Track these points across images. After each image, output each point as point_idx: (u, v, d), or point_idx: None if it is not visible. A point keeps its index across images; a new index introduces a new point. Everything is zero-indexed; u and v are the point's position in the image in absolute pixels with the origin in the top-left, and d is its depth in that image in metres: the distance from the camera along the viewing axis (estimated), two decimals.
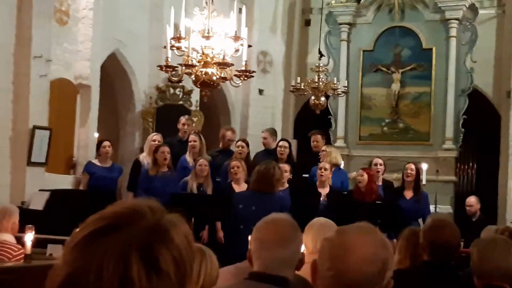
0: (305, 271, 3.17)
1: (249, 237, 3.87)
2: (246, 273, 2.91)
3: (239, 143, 9.96)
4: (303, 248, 3.21)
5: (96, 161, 10.18)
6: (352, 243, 2.02)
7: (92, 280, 1.05)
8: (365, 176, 9.22)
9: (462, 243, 9.77)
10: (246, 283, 2.80)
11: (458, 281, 4.02)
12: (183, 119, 10.73)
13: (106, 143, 10.17)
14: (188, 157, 9.72)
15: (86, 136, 10.87)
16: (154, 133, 10.55)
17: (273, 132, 10.93)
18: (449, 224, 4.04)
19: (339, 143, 14.56)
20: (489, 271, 3.51)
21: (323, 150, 9.73)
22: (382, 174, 10.03)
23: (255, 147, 11.41)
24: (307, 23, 16.39)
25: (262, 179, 7.81)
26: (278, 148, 9.94)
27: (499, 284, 3.49)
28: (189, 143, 9.74)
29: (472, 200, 10.45)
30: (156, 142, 9.81)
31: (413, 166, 9.59)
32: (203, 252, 3.29)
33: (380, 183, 9.79)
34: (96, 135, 11.32)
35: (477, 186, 15.23)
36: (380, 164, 9.96)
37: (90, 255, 1.07)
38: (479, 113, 14.23)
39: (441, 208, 11.82)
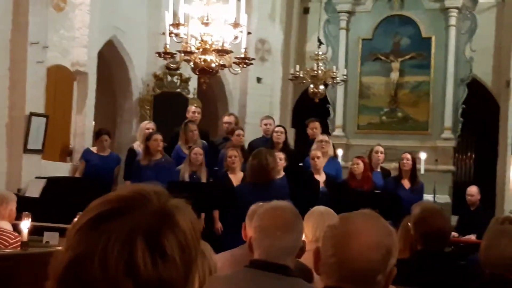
0: (305, 259, 3.14)
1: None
2: (243, 260, 2.88)
3: (238, 131, 9.90)
4: (303, 236, 3.18)
5: (94, 149, 10.12)
6: (356, 230, 2.01)
7: (97, 265, 1.05)
8: (361, 164, 9.20)
9: (460, 234, 9.81)
10: (247, 271, 2.77)
11: (459, 270, 4.00)
12: (192, 107, 10.64)
13: (105, 137, 10.04)
14: (182, 145, 9.64)
15: (83, 124, 10.82)
16: (147, 121, 10.50)
17: (273, 120, 10.95)
18: (438, 212, 4.03)
19: (338, 132, 14.53)
20: (494, 261, 3.49)
21: (321, 140, 9.65)
22: (382, 163, 10.00)
23: (253, 135, 11.37)
24: (306, 11, 16.33)
25: (256, 171, 7.78)
26: (274, 134, 9.86)
27: (505, 274, 3.46)
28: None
29: (473, 189, 10.43)
30: (150, 130, 9.74)
31: (409, 156, 9.56)
32: (202, 252, 3.24)
33: (379, 170, 9.76)
34: (93, 122, 11.28)
35: (475, 176, 15.25)
36: (381, 152, 9.93)
37: (95, 239, 1.06)
38: (478, 102, 14.20)
39: (440, 197, 11.79)
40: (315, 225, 4.15)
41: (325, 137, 9.85)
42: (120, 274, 1.04)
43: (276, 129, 10.02)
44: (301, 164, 9.54)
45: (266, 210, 2.89)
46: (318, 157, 9.00)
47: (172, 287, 1.09)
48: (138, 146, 9.83)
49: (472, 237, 9.37)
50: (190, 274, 1.13)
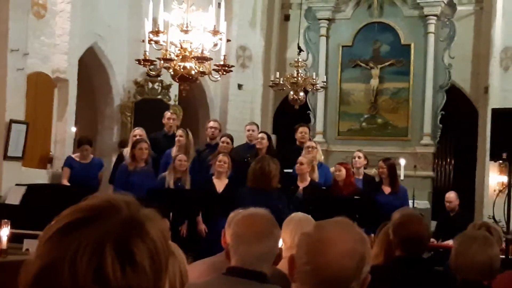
0: (283, 266, 3.16)
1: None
2: (220, 267, 2.90)
3: (224, 138, 9.86)
4: (281, 243, 3.20)
5: (76, 157, 10.08)
6: (330, 238, 2.01)
7: (66, 273, 1.04)
8: (343, 170, 9.23)
9: (440, 239, 9.87)
10: (224, 278, 2.79)
11: (434, 275, 4.03)
12: (168, 113, 10.61)
13: (85, 146, 9.95)
14: (174, 152, 9.61)
15: (64, 131, 10.80)
16: (137, 128, 10.44)
17: (257, 126, 10.93)
18: (417, 217, 4.06)
19: (318, 138, 14.56)
20: (464, 266, 3.52)
21: (308, 146, 9.69)
22: (365, 168, 10.05)
23: (235, 142, 11.38)
24: (287, 18, 16.39)
25: (258, 176, 7.76)
26: (257, 141, 9.83)
27: (476, 279, 3.50)
28: (176, 138, 9.58)
29: (451, 195, 10.51)
30: (137, 137, 9.61)
31: (382, 164, 9.55)
32: (173, 253, 3.26)
33: (361, 177, 9.80)
34: (74, 129, 11.25)
35: (454, 182, 15.34)
36: (359, 157, 9.97)
37: (64, 247, 1.06)
38: (457, 108, 14.31)
39: (419, 203, 11.86)
40: (294, 232, 4.16)
41: (312, 143, 9.91)
42: (89, 282, 1.04)
43: (259, 135, 9.99)
44: (290, 170, 9.56)
45: (242, 217, 2.90)
46: (302, 164, 9.01)
47: None
48: (127, 152, 9.78)
49: (452, 242, 9.42)
50: (160, 282, 1.12)
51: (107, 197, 1.15)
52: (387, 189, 9.46)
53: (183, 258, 3.08)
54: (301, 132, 10.37)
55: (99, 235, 1.07)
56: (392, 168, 9.53)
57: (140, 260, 1.08)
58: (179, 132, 9.69)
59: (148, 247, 1.10)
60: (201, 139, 11.60)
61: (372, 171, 10.58)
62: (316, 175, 9.27)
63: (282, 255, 2.96)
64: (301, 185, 8.96)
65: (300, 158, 9.14)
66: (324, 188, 9.46)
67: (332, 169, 9.78)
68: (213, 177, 8.83)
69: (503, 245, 7.25)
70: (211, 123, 10.46)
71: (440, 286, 3.86)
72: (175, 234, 7.89)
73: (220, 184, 8.75)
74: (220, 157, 8.89)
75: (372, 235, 5.76)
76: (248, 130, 10.44)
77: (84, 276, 1.04)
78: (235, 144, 10.77)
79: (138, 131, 9.86)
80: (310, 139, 10.44)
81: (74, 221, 1.09)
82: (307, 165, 9.11)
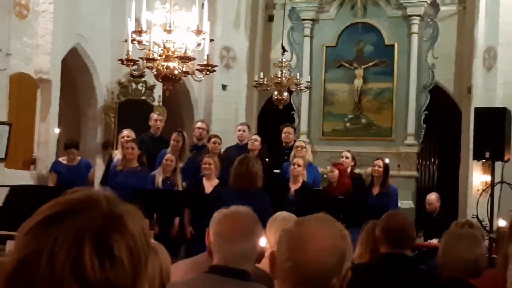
0: (265, 264, 3.16)
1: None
2: (204, 267, 2.89)
3: (215, 139, 9.85)
4: (265, 242, 3.20)
5: (63, 160, 10.02)
6: (311, 234, 2.01)
7: (44, 265, 1.04)
8: (336, 172, 9.24)
9: (422, 237, 9.91)
10: (206, 276, 2.78)
11: (418, 274, 4.04)
12: (154, 115, 10.58)
13: (72, 150, 9.92)
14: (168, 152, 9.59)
15: (47, 132, 10.73)
16: (125, 129, 10.41)
17: (249, 126, 10.94)
18: (402, 213, 4.08)
19: (302, 138, 14.55)
20: (450, 264, 3.53)
21: (297, 146, 9.69)
22: (353, 168, 10.08)
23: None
24: (270, 18, 16.39)
25: (243, 177, 7.69)
26: (250, 141, 9.94)
27: (461, 277, 3.51)
28: (172, 142, 9.49)
29: (432, 197, 10.56)
30: (125, 138, 9.59)
31: (381, 163, 9.64)
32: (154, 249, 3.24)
33: None
34: (57, 130, 11.19)
35: (438, 181, 15.39)
36: (347, 157, 10.03)
37: (42, 240, 1.06)
38: (440, 108, 14.36)
39: (403, 203, 11.90)
40: (278, 231, 4.16)
41: (301, 143, 9.93)
42: (66, 275, 1.03)
43: (253, 137, 10.10)
44: (277, 170, 9.56)
45: (224, 215, 2.90)
46: (299, 165, 9.01)
47: None
48: (115, 154, 9.75)
49: (435, 241, 9.47)
50: (139, 278, 1.12)
51: (87, 191, 1.15)
52: (375, 190, 9.50)
53: (167, 257, 3.06)
54: (285, 132, 10.40)
55: (78, 229, 1.06)
56: (387, 168, 9.61)
57: (119, 255, 1.08)
58: (175, 136, 9.58)
59: (127, 241, 1.10)
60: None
61: (357, 171, 10.60)
62: (304, 175, 9.28)
63: (265, 254, 2.95)
64: (293, 187, 8.96)
65: (297, 160, 9.12)
66: (316, 189, 9.48)
67: (320, 169, 9.82)
68: (204, 178, 8.84)
69: (486, 243, 7.28)
70: (199, 124, 10.45)
71: (424, 283, 3.87)
72: (161, 234, 7.87)
73: (209, 185, 8.76)
74: (205, 159, 8.89)
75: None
76: (239, 130, 10.45)
77: (61, 269, 1.03)
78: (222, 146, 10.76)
79: (126, 132, 9.83)
80: (295, 140, 10.43)
81: (53, 214, 1.09)
82: (303, 167, 9.11)
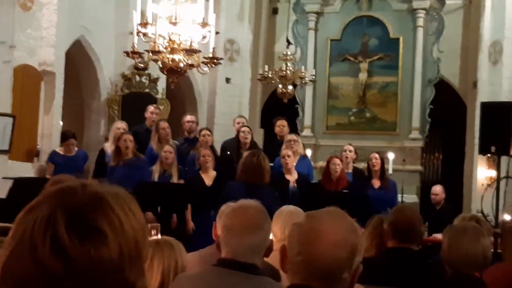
0: (273, 258, 3.14)
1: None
2: (211, 260, 2.87)
3: (204, 131, 9.83)
4: (271, 236, 3.18)
5: (60, 150, 10.01)
6: (322, 228, 2.00)
7: (27, 247, 1.06)
8: (341, 166, 9.20)
9: (426, 232, 9.88)
10: (214, 269, 2.77)
11: (426, 268, 4.02)
12: (151, 107, 10.54)
13: (71, 140, 9.91)
14: (154, 145, 9.55)
15: (51, 124, 10.71)
16: (119, 121, 10.37)
17: (246, 119, 10.91)
18: (410, 207, 4.07)
19: (306, 132, 14.56)
20: (457, 259, 3.50)
21: (290, 140, 9.59)
22: (354, 162, 10.03)
23: (222, 136, 11.35)
24: (275, 11, 16.35)
25: (252, 170, 7.49)
26: (241, 133, 9.72)
27: (468, 272, 3.48)
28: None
29: (437, 189, 10.53)
30: (121, 130, 9.53)
31: (377, 155, 9.64)
32: (171, 246, 3.22)
33: (350, 170, 9.77)
34: (61, 123, 11.17)
35: (442, 176, 15.39)
36: (350, 151, 9.94)
37: (25, 223, 1.09)
38: (445, 103, 14.32)
39: (407, 197, 11.87)
40: (284, 225, 4.14)
41: (293, 136, 9.79)
42: (47, 252, 1.05)
43: (243, 129, 9.85)
44: (271, 164, 9.52)
45: (233, 209, 2.88)
46: (288, 156, 8.92)
47: (108, 271, 1.08)
48: (108, 146, 9.70)
49: (439, 236, 9.44)
50: (128, 260, 1.10)
51: (68, 179, 1.18)
52: (376, 183, 9.48)
53: (184, 253, 3.04)
54: (279, 125, 10.28)
55: (53, 207, 1.09)
56: (383, 161, 9.61)
57: (101, 229, 1.08)
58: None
59: (109, 218, 1.10)
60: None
61: (361, 165, 10.57)
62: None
63: (273, 247, 2.93)
64: (291, 178, 8.85)
65: (285, 151, 9.02)
66: (314, 182, 9.44)
67: (320, 163, 9.76)
68: (200, 172, 8.79)
69: (492, 238, 7.25)
70: (188, 117, 10.39)
71: (431, 278, 3.85)
72: (164, 228, 7.84)
73: (208, 178, 8.73)
74: (203, 151, 8.86)
75: (363, 229, 5.74)
76: (238, 123, 10.37)
77: (42, 247, 1.05)
78: (223, 138, 10.74)
79: (122, 125, 9.81)
80: (290, 133, 10.31)
81: (34, 203, 1.13)
82: (294, 157, 9.04)
